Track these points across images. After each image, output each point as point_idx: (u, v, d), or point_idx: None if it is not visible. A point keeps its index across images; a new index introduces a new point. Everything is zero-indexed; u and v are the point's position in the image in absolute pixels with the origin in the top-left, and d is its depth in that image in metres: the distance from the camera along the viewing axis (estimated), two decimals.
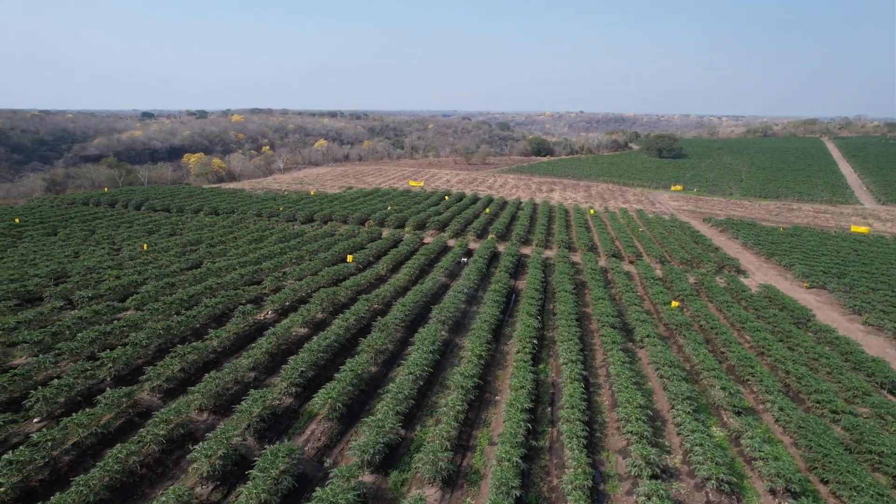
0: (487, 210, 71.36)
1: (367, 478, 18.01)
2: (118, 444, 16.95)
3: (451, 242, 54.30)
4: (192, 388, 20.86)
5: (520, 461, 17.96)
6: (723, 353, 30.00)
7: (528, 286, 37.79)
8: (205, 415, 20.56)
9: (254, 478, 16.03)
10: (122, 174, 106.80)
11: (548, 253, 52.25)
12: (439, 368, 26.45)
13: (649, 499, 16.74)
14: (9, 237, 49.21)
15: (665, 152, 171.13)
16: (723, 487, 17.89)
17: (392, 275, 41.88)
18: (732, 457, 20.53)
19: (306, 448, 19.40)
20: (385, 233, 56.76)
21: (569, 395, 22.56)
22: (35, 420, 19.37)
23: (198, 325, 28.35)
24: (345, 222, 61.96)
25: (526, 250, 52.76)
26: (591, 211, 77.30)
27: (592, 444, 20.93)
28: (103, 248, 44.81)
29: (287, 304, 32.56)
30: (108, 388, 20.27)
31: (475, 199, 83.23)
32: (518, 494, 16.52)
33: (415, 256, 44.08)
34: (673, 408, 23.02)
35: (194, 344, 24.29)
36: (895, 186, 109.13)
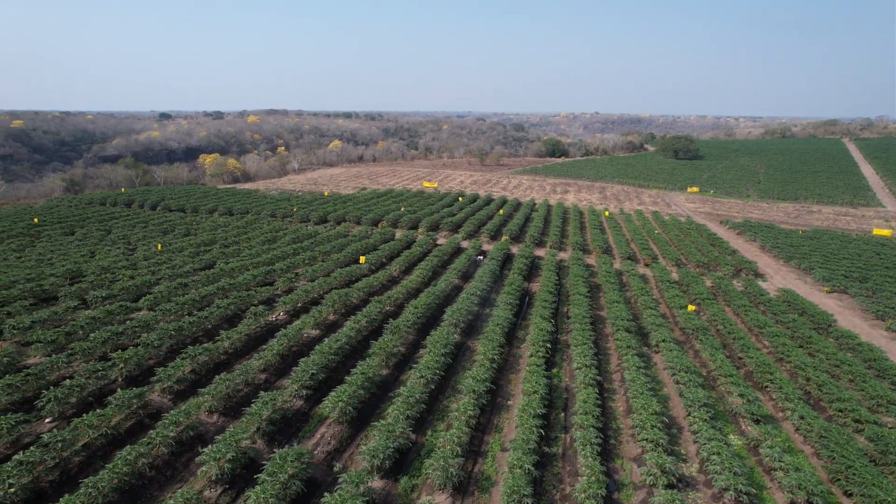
0: (501, 211, 70.94)
1: (377, 483, 17.77)
2: (128, 446, 16.90)
3: (465, 244, 54.01)
4: (203, 389, 20.77)
5: (532, 468, 17.63)
6: (740, 358, 29.35)
7: (542, 289, 37.38)
8: (215, 417, 20.47)
9: (262, 482, 15.85)
10: (139, 174, 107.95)
11: (562, 255, 51.75)
12: (451, 372, 26.17)
13: None
14: (27, 236, 49.87)
15: (681, 154, 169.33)
16: (741, 499, 17.36)
17: (405, 276, 41.69)
18: (751, 466, 19.98)
19: (316, 452, 19.22)
20: (398, 234, 56.60)
21: (582, 400, 22.16)
22: (47, 420, 19.41)
23: (210, 326, 28.34)
24: (358, 223, 61.93)
25: (540, 252, 52.30)
26: (606, 213, 76.54)
27: (606, 452, 20.51)
28: (118, 247, 45.16)
29: (299, 305, 32.48)
30: (119, 389, 20.24)
31: (489, 201, 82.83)
32: (530, 503, 16.18)
33: (428, 258, 43.86)
34: (689, 415, 22.52)
35: (205, 345, 24.25)
36: None
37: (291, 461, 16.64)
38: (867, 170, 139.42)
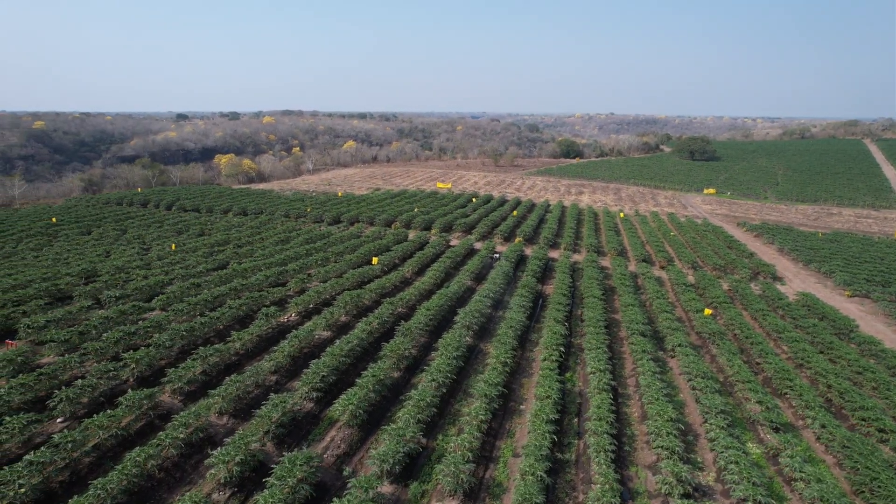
0: (515, 212, 70.49)
1: (387, 488, 17.54)
2: (137, 448, 16.82)
3: (478, 245, 53.70)
4: (213, 391, 20.68)
5: (544, 475, 17.29)
6: (758, 364, 28.72)
7: (556, 291, 36.96)
8: (224, 418, 20.38)
9: (271, 486, 15.69)
10: (156, 174, 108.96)
11: (576, 257, 51.22)
12: (463, 375, 25.88)
13: None
14: (46, 236, 50.46)
15: (697, 155, 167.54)
16: None
17: (417, 278, 41.48)
18: (770, 476, 19.45)
19: (325, 455, 19.04)
20: (411, 235, 56.44)
21: (596, 406, 21.76)
22: (59, 420, 19.45)
23: (221, 327, 28.34)
24: (371, 224, 61.88)
25: (554, 254, 51.83)
26: (621, 214, 75.77)
27: (621, 459, 20.10)
28: (133, 247, 45.50)
29: (311, 306, 32.40)
30: (129, 390, 20.22)
31: (503, 202, 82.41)
32: None
33: (440, 259, 43.61)
34: (706, 422, 22.03)
35: (216, 346, 24.19)
36: None
37: (300, 465, 16.46)
38: (889, 171, 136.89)
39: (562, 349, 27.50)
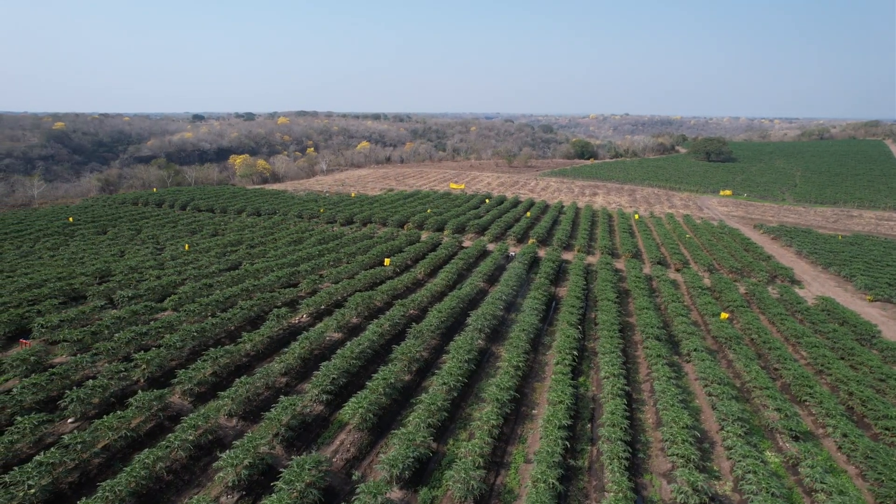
0: (528, 214, 70.05)
1: (396, 494, 17.30)
2: (146, 450, 16.74)
3: (491, 246, 53.37)
4: (223, 392, 20.58)
5: (556, 483, 16.94)
6: (776, 370, 28.10)
7: (569, 294, 36.54)
8: (234, 421, 20.28)
9: (279, 490, 15.54)
10: (171, 175, 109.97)
11: (590, 259, 50.71)
12: (474, 378, 25.58)
13: None
14: (62, 235, 50.96)
15: (713, 156, 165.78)
16: None
17: (429, 279, 41.25)
18: (790, 487, 18.93)
19: (334, 459, 18.85)
20: (424, 236, 56.24)
21: (610, 411, 21.37)
22: (69, 420, 19.47)
23: (232, 328, 28.32)
24: (384, 224, 61.77)
25: (567, 256, 51.36)
26: (636, 216, 75.01)
27: (634, 466, 19.70)
28: (147, 247, 45.78)
29: (322, 307, 32.30)
30: (140, 391, 20.20)
31: (516, 203, 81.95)
32: None
33: (453, 261, 43.34)
34: (722, 429, 21.54)
35: (227, 347, 24.12)
36: None
37: (309, 469, 16.29)
38: None
39: (575, 353, 27.12)
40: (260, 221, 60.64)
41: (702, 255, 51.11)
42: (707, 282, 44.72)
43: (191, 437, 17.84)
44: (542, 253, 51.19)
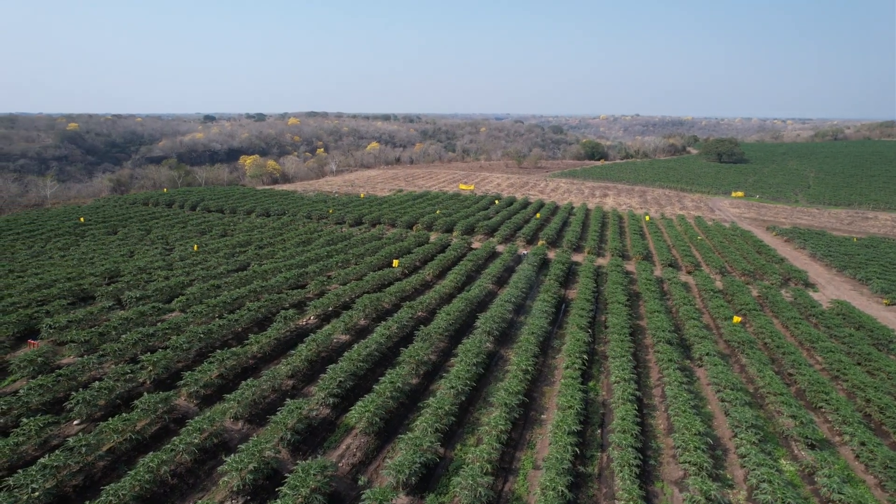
0: (538, 215, 69.61)
1: (402, 500, 17.03)
2: (151, 453, 16.59)
3: (500, 248, 53.03)
4: (229, 395, 20.44)
5: (566, 490, 16.61)
6: (791, 375, 27.55)
7: (579, 296, 36.14)
8: (240, 424, 20.11)
9: (284, 496, 15.34)
10: (181, 175, 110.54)
11: (600, 261, 50.23)
12: (483, 382, 25.29)
13: None
14: (73, 235, 51.22)
15: (725, 157, 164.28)
16: None
17: (438, 281, 40.99)
18: (806, 497, 18.45)
19: (340, 464, 18.63)
20: (433, 237, 56.00)
21: (621, 417, 21.00)
22: (75, 422, 19.39)
23: (239, 330, 28.20)
24: (393, 225, 61.60)
25: (577, 258, 50.91)
26: (647, 217, 74.35)
27: (646, 473, 19.31)
28: (157, 247, 45.88)
29: (330, 309, 32.12)
30: (145, 393, 20.09)
31: (526, 204, 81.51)
32: None
33: (462, 262, 43.04)
34: (735, 436, 21.10)
35: (234, 349, 23.98)
36: None
37: (314, 474, 16.08)
38: None
39: (585, 357, 26.74)
40: (269, 222, 60.67)
41: (713, 258, 50.45)
42: (719, 284, 44.13)
43: (196, 441, 17.69)
44: (551, 255, 50.79)
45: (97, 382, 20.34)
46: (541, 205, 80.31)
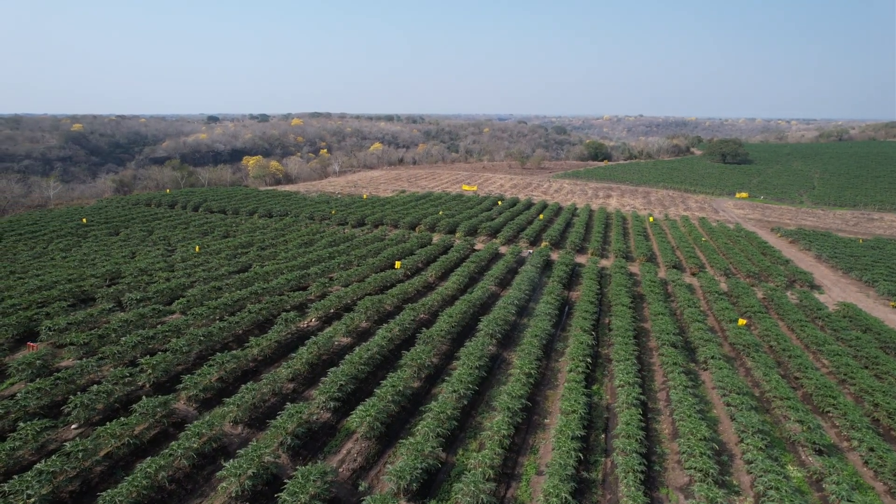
0: (541, 216, 69.29)
1: None
2: (149, 458, 16.38)
3: (503, 249, 52.76)
4: (229, 399, 20.22)
5: (569, 497, 16.32)
6: (797, 379, 27.22)
7: (583, 298, 35.84)
8: (239, 428, 19.89)
9: (283, 502, 15.11)
10: (184, 176, 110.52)
11: (604, 262, 49.92)
12: (485, 386, 25.01)
13: None
14: (75, 236, 51.14)
15: (729, 157, 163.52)
16: None
17: (440, 282, 40.73)
18: None
19: (340, 469, 18.39)
20: (435, 238, 55.76)
21: (625, 422, 20.71)
22: (73, 426, 19.19)
23: (240, 332, 28.00)
24: (395, 227, 61.37)
25: (581, 259, 50.61)
26: (651, 218, 73.95)
27: (650, 479, 19.02)
28: (158, 248, 45.73)
29: (331, 311, 31.91)
30: (144, 396, 19.88)
31: (529, 205, 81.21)
32: None
33: (464, 264, 42.75)
34: (742, 441, 20.77)
35: (234, 352, 23.77)
36: None
37: (314, 480, 15.85)
38: None
39: (588, 360, 26.46)
40: (271, 223, 60.50)
41: (718, 259, 50.08)
42: (724, 286, 43.77)
43: (195, 445, 17.48)
44: (554, 256, 50.49)
45: (96, 386, 20.16)
46: (544, 206, 79.97)
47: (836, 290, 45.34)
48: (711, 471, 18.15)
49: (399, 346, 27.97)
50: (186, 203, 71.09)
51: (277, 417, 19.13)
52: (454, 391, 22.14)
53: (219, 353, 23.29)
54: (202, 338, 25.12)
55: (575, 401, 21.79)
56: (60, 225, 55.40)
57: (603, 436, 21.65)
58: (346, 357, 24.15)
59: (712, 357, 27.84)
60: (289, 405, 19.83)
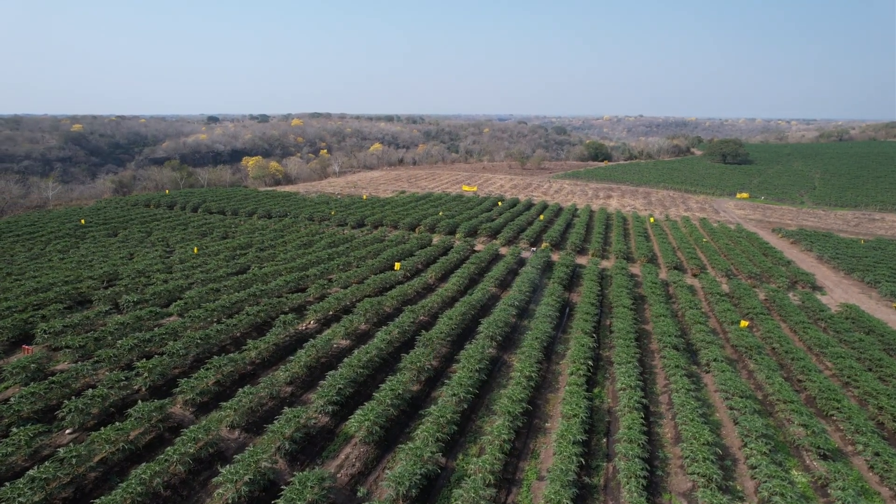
0: (542, 217, 69.02)
1: None
2: (144, 464, 16.10)
3: (504, 250, 52.49)
4: (225, 403, 19.92)
5: (570, 503, 16.08)
6: (800, 381, 26.94)
7: (584, 300, 35.58)
8: (236, 432, 19.63)
9: None
10: (184, 176, 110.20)
11: (605, 263, 49.67)
12: (485, 389, 24.74)
13: None
14: (73, 237, 50.83)
15: (730, 158, 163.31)
16: None
17: (440, 284, 40.47)
18: None
19: (339, 475, 18.12)
20: (435, 239, 55.51)
21: (627, 426, 20.45)
22: (67, 431, 18.91)
23: (238, 335, 27.72)
24: (395, 227, 61.11)
25: (581, 260, 50.35)
26: (651, 219, 73.69)
27: (653, 485, 18.75)
28: (157, 250, 45.44)
29: (330, 313, 31.63)
30: (140, 400, 19.60)
31: (529, 206, 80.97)
32: None
33: (464, 265, 42.46)
34: (745, 445, 20.48)
35: (231, 355, 23.49)
36: None
37: (312, 486, 15.59)
38: None
39: (590, 363, 26.20)
40: (270, 224, 60.21)
41: (719, 260, 49.82)
42: (725, 287, 43.51)
43: (191, 451, 17.20)
44: (555, 257, 50.23)
45: (91, 390, 19.86)
46: (544, 206, 79.74)
47: (839, 292, 45.08)
48: (715, 476, 17.90)
49: (398, 348, 27.72)
50: (185, 204, 70.81)
51: (275, 422, 18.87)
52: (454, 395, 21.89)
53: (216, 357, 23.01)
54: (199, 341, 24.83)
55: (576, 404, 21.54)
56: (59, 226, 55.08)
57: (605, 440, 21.38)
58: (345, 360, 23.88)
59: (714, 359, 27.58)
60: (287, 409, 19.56)
